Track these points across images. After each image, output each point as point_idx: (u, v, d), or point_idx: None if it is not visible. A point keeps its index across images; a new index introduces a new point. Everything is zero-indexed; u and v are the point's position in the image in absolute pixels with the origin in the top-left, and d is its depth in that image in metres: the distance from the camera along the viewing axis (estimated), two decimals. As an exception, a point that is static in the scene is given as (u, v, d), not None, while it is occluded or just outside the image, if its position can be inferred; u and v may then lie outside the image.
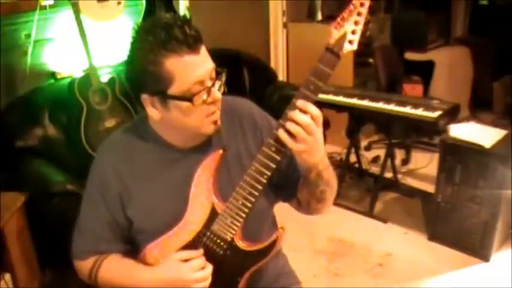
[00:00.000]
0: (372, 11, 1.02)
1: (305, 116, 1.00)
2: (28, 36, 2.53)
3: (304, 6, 4.07)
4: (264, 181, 1.07)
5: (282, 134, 1.02)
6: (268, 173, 1.06)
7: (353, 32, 1.01)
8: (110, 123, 2.51)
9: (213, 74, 1.07)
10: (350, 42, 1.01)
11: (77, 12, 2.39)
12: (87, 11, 2.52)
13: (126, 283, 1.16)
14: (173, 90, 1.03)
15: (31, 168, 2.27)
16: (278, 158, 1.05)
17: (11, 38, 2.50)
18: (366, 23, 1.01)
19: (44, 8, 2.54)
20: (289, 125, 1.01)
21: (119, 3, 2.70)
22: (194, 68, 1.02)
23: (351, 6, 1.00)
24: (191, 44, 1.00)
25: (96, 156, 1.22)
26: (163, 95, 1.05)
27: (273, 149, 1.05)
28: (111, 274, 1.18)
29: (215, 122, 1.10)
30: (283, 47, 4.07)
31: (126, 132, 1.21)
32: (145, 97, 1.08)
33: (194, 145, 1.18)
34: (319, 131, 1.02)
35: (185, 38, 1.00)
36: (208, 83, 1.05)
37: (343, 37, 1.01)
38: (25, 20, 2.52)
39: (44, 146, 2.41)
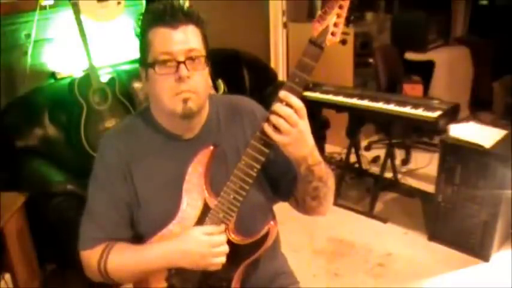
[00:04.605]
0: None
1: (286, 108, 1.02)
2: (28, 36, 2.53)
3: (304, 6, 4.07)
4: (254, 174, 1.08)
5: (266, 126, 1.04)
6: (258, 166, 1.08)
7: (335, 25, 1.03)
8: (110, 123, 2.51)
9: (193, 56, 1.09)
10: (333, 34, 1.04)
11: (77, 12, 2.39)
12: (87, 11, 2.52)
13: (139, 262, 1.15)
14: (149, 59, 1.12)
15: (31, 168, 2.27)
16: (266, 150, 1.07)
17: (11, 38, 2.50)
18: (348, 17, 1.03)
19: (44, 8, 2.54)
20: (272, 117, 1.03)
21: (118, 3, 2.70)
22: (166, 39, 1.09)
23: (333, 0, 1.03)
24: (169, 19, 1.08)
25: (102, 143, 1.23)
26: (144, 64, 1.14)
27: (261, 142, 1.07)
28: (122, 256, 1.16)
29: (185, 101, 1.10)
30: (283, 47, 4.07)
31: (131, 120, 1.26)
32: (141, 70, 1.17)
33: (192, 136, 1.20)
34: (303, 123, 1.03)
35: (164, 13, 1.09)
36: (181, 59, 1.08)
37: (325, 30, 1.03)
38: (25, 20, 2.53)
39: (44, 146, 2.41)
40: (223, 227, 1.12)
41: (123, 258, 1.16)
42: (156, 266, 1.15)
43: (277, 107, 1.03)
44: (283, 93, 1.03)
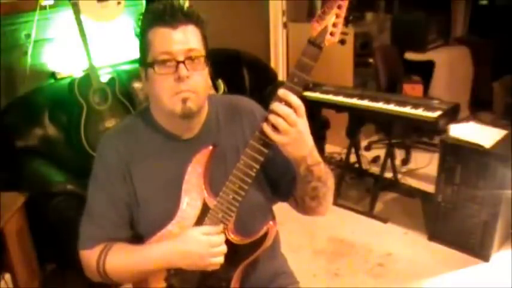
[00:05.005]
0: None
1: (285, 107, 1.02)
2: (28, 36, 2.53)
3: (304, 6, 4.08)
4: (253, 174, 1.08)
5: (265, 126, 1.04)
6: (257, 166, 1.07)
7: (334, 25, 1.03)
8: (110, 123, 2.51)
9: (193, 56, 1.09)
10: (332, 34, 1.04)
11: (77, 12, 2.39)
12: (87, 11, 2.52)
13: (137, 263, 1.15)
14: (149, 58, 1.12)
15: (31, 168, 2.28)
16: (265, 151, 1.07)
17: (11, 38, 2.50)
18: (347, 17, 1.03)
19: (44, 8, 2.54)
20: (271, 117, 1.03)
21: (118, 3, 2.70)
22: (166, 39, 1.09)
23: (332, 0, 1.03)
24: (168, 19, 1.09)
25: (101, 143, 1.23)
26: (143, 64, 1.14)
27: (260, 142, 1.06)
28: (121, 257, 1.16)
29: (184, 101, 1.10)
30: (283, 47, 4.07)
31: (131, 120, 1.26)
32: (141, 70, 1.18)
33: (192, 136, 1.20)
34: (302, 123, 1.03)
35: (164, 13, 1.09)
36: (180, 59, 1.08)
37: (324, 30, 1.03)
38: (25, 20, 2.53)
39: (44, 146, 2.41)
40: (221, 226, 1.12)
41: (122, 259, 1.16)
42: (154, 267, 1.15)
43: (276, 106, 1.02)
44: (282, 92, 1.03)
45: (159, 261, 1.14)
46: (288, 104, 1.02)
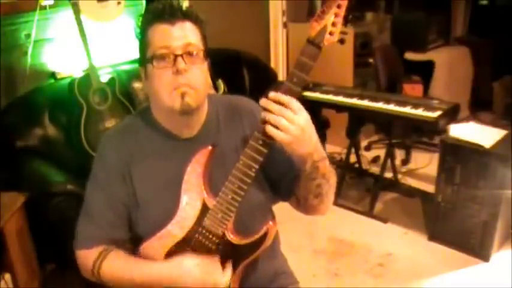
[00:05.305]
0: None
1: (275, 104, 1.02)
2: (28, 36, 2.53)
3: (304, 6, 4.07)
4: (252, 174, 1.08)
5: (267, 126, 1.04)
6: (256, 166, 1.07)
7: (333, 24, 1.03)
8: (110, 123, 2.51)
9: (191, 51, 1.10)
10: (331, 33, 1.04)
11: (77, 12, 2.39)
12: (87, 11, 2.52)
13: (132, 274, 1.15)
14: (148, 55, 1.13)
15: (31, 168, 2.27)
16: (264, 151, 1.07)
17: (11, 38, 2.50)
18: (346, 17, 1.03)
19: (44, 8, 2.54)
20: (270, 117, 1.03)
21: (118, 3, 2.70)
22: (165, 34, 1.10)
23: None
24: (167, 16, 1.10)
25: (101, 143, 1.23)
26: (143, 61, 1.15)
27: (260, 142, 1.06)
28: (118, 264, 1.16)
29: (183, 96, 1.10)
30: (283, 47, 4.07)
31: (131, 120, 1.27)
32: (141, 70, 1.19)
33: (191, 135, 1.20)
34: (301, 119, 1.03)
35: (163, 11, 1.11)
36: (178, 53, 1.09)
37: (323, 29, 1.03)
38: (25, 20, 2.53)
39: (44, 146, 2.41)
40: (217, 257, 1.13)
41: (118, 267, 1.17)
42: (148, 283, 1.15)
43: (269, 104, 1.02)
44: (272, 94, 1.04)
45: (152, 280, 1.14)
46: (281, 104, 1.02)
